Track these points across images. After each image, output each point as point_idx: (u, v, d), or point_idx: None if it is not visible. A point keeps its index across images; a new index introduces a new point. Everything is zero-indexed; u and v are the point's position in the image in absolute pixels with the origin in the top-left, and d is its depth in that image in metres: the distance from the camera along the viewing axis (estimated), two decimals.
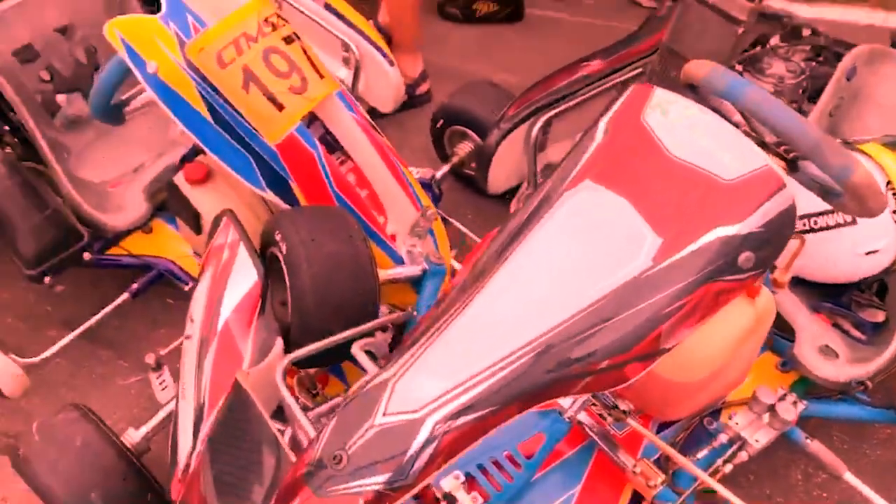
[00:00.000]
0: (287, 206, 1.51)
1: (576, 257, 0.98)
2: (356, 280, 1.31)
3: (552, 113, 1.77)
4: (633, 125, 1.04)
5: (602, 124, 1.07)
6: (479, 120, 1.98)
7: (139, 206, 1.83)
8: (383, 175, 1.57)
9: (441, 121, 2.05)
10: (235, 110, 1.40)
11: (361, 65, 2.08)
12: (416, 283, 1.51)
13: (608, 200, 1.00)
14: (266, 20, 1.41)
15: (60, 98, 2.01)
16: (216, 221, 1.45)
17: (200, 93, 1.38)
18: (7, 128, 1.81)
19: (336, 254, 1.30)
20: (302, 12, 2.07)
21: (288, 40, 1.44)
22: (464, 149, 2.04)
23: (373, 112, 2.17)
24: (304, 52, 1.46)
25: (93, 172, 1.96)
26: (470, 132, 2.02)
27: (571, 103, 1.80)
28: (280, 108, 1.41)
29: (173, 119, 1.41)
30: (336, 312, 1.29)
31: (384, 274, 1.42)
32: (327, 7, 2.11)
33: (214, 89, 1.38)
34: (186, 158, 1.76)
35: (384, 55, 2.07)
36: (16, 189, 1.64)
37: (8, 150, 1.76)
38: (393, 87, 2.10)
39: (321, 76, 1.47)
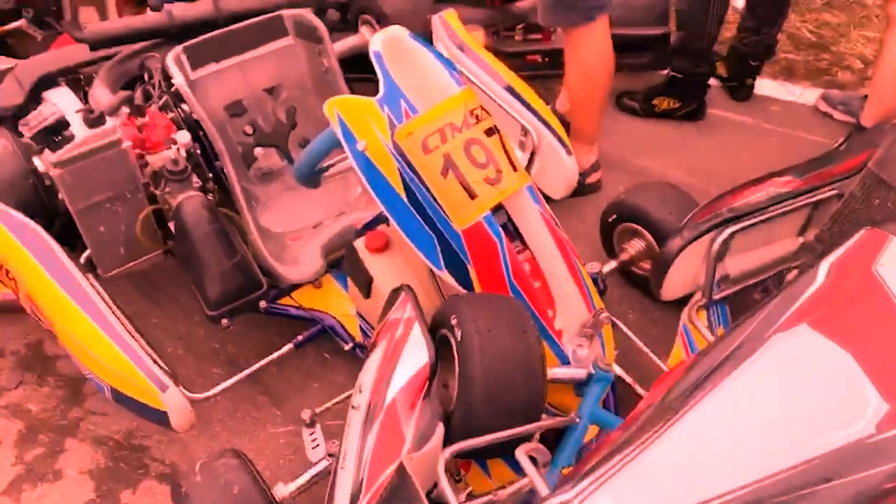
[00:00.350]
0: (461, 289, 1.53)
1: (787, 405, 0.92)
2: (526, 378, 1.29)
3: (739, 227, 1.70)
4: (863, 274, 0.97)
5: (824, 266, 1.01)
6: (654, 221, 1.94)
7: (315, 261, 1.91)
8: (560, 270, 1.55)
9: (614, 216, 2.02)
10: (430, 193, 1.44)
11: (538, 150, 2.11)
12: (578, 385, 1.47)
13: (828, 350, 0.94)
14: (471, 112, 1.46)
15: (258, 151, 2.17)
16: (393, 295, 1.48)
17: (401, 173, 1.44)
18: (211, 175, 1.96)
19: (510, 349, 1.29)
20: (484, 92, 2.15)
21: (489, 132, 1.47)
22: (634, 247, 1.99)
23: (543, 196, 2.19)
24: (503, 144, 1.49)
25: (276, 223, 2.09)
26: (643, 231, 1.98)
27: (760, 219, 1.72)
28: (472, 196, 1.44)
29: (371, 193, 1.47)
30: (502, 408, 1.27)
31: (550, 373, 1.40)
32: (509, 89, 2.16)
33: (414, 171, 1.43)
34: (368, 226, 1.83)
35: (563, 144, 2.09)
36: (213, 234, 1.76)
37: (210, 196, 1.90)
38: (568, 176, 2.11)
39: (515, 169, 1.49)
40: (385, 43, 1.47)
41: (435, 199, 1.45)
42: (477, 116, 1.47)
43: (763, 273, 1.81)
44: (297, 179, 1.70)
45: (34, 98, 2.09)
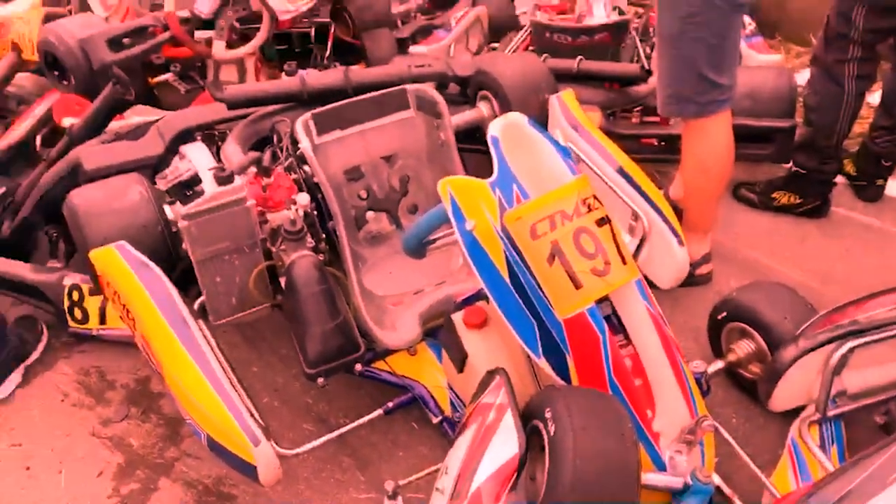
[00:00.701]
0: (557, 379, 1.50)
1: None
2: (619, 483, 1.24)
3: (861, 342, 1.58)
4: None
5: None
6: (766, 324, 1.84)
7: (412, 329, 1.92)
8: (663, 370, 1.50)
9: (724, 313, 1.94)
10: (534, 279, 1.44)
11: (648, 236, 2.06)
12: (674, 494, 1.40)
13: None
14: (584, 200, 1.46)
15: (370, 215, 2.25)
16: (488, 377, 1.47)
17: (506, 255, 1.44)
18: (324, 235, 2.03)
19: (604, 450, 1.25)
20: (596, 173, 2.14)
21: (600, 222, 1.46)
22: (743, 349, 1.90)
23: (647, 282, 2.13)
24: (613, 235, 1.47)
25: (380, 286, 2.13)
26: (754, 333, 1.88)
27: (885, 335, 1.60)
28: (578, 286, 1.42)
29: (475, 272, 1.48)
30: None
31: (644, 478, 1.34)
32: (622, 172, 2.14)
33: (520, 255, 1.43)
34: (468, 301, 1.83)
35: (674, 232, 2.04)
36: (320, 295, 1.80)
37: (321, 256, 1.97)
38: (677, 266, 2.05)
39: (624, 262, 1.47)
40: (503, 128, 1.50)
41: (539, 285, 1.44)
42: (589, 206, 1.46)
43: (885, 392, 1.68)
44: (404, 250, 1.74)
45: (172, 150, 2.27)
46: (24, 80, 3.15)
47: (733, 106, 2.16)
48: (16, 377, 2.15)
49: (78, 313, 2.20)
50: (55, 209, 2.12)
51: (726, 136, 2.16)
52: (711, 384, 1.88)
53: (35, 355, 2.23)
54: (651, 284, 2.14)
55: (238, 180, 1.84)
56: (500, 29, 3.66)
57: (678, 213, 2.31)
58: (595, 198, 1.49)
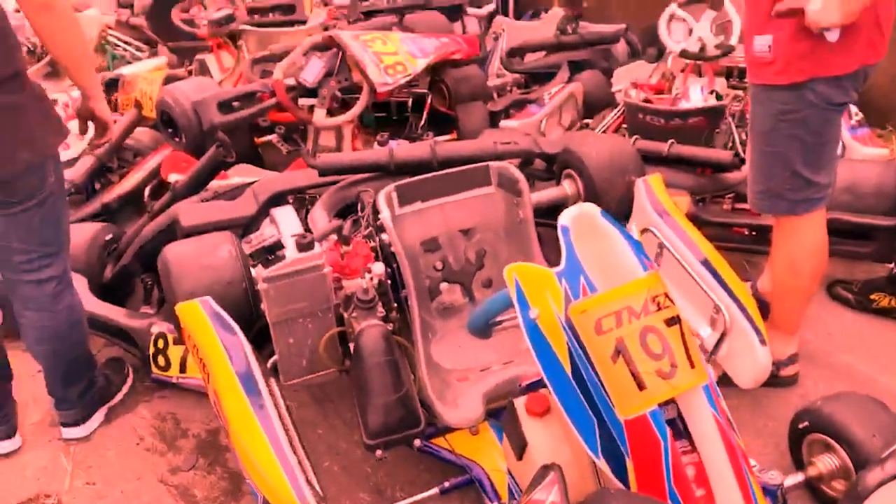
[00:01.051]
0: (615, 479, 1.44)
1: None
2: None
3: None
4: None
5: None
6: (852, 439, 1.71)
7: (475, 408, 1.90)
8: (728, 482, 1.41)
9: (806, 423, 1.82)
10: (597, 375, 1.40)
11: (728, 331, 1.98)
12: None
13: None
14: (653, 298, 1.42)
15: (443, 286, 2.27)
16: (543, 472, 1.43)
17: (569, 348, 1.42)
18: (396, 304, 2.06)
19: None
20: (678, 262, 2.08)
21: (670, 322, 1.42)
22: (826, 463, 1.77)
23: (725, 378, 2.04)
24: (682, 337, 1.42)
25: (447, 359, 2.13)
26: (838, 447, 1.75)
27: None
28: (641, 387, 1.37)
29: (536, 362, 1.46)
30: None
31: None
32: (705, 263, 2.08)
33: (584, 350, 1.40)
34: (532, 387, 1.80)
35: (757, 331, 1.95)
36: (385, 366, 1.82)
37: (391, 325, 1.99)
38: (758, 367, 1.96)
39: (693, 365, 1.41)
40: (575, 218, 1.50)
41: (601, 382, 1.40)
42: (659, 304, 1.42)
43: None
44: (469, 329, 1.74)
45: (264, 211, 2.38)
46: (142, 134, 3.41)
47: (831, 200, 2.07)
48: (99, 416, 2.27)
49: (161, 360, 2.31)
50: (152, 259, 2.25)
51: (820, 234, 2.06)
52: (789, 498, 1.76)
53: (119, 397, 2.35)
54: (731, 382, 2.05)
55: (317, 247, 1.91)
56: (595, 106, 3.68)
57: (766, 307, 2.22)
58: (666, 296, 1.45)
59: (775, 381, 2.17)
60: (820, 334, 2.44)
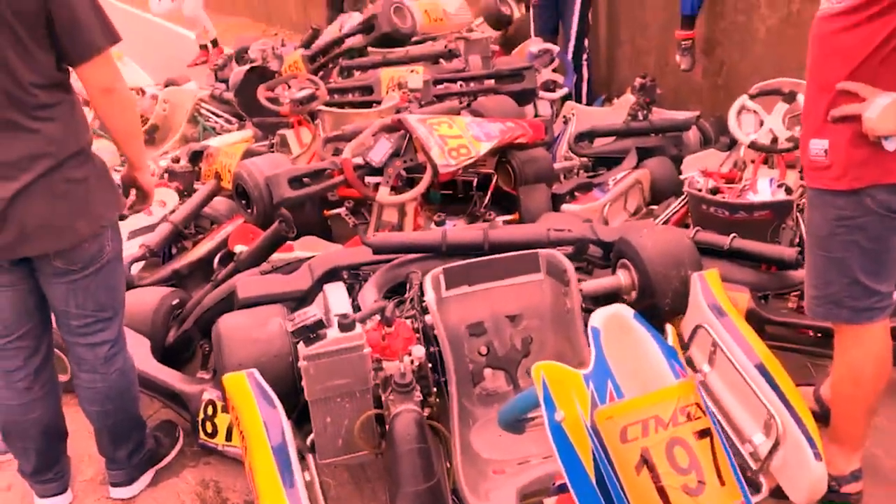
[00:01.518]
0: None
1: None
2: None
3: None
4: None
5: None
6: None
7: None
8: None
9: None
10: (620, 484, 1.35)
11: (782, 440, 1.88)
12: None
13: None
14: (684, 408, 1.37)
15: (487, 371, 2.25)
16: None
17: (593, 453, 1.37)
18: (435, 389, 2.06)
19: None
20: (731, 363, 2.01)
21: (700, 435, 1.35)
22: None
23: (779, 491, 1.92)
24: (713, 451, 1.35)
25: (485, 448, 2.09)
26: None
27: None
28: (665, 501, 1.31)
29: (560, 465, 1.42)
30: None
31: None
32: (760, 368, 1.99)
33: (608, 456, 1.36)
34: (563, 488, 1.74)
35: (812, 444, 1.84)
36: (416, 453, 1.81)
37: (429, 409, 1.99)
38: (812, 483, 1.83)
39: (723, 482, 1.34)
40: (606, 320, 1.47)
41: (624, 492, 1.34)
42: (689, 415, 1.37)
43: None
44: (499, 424, 1.71)
45: (318, 287, 2.45)
46: (219, 203, 3.60)
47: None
48: (146, 478, 2.33)
49: (209, 427, 2.36)
50: (211, 326, 2.34)
51: (884, 345, 1.94)
52: None
53: (167, 460, 2.41)
54: (785, 496, 1.93)
55: (358, 328, 1.94)
56: (663, 193, 3.65)
57: (826, 416, 2.09)
58: (699, 406, 1.39)
59: (835, 497, 2.02)
60: (889, 449, 2.27)
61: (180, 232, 3.40)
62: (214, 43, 8.19)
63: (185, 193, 3.71)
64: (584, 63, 4.94)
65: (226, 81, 5.55)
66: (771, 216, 2.84)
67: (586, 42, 4.92)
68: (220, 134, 4.83)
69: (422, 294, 2.18)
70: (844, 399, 2.01)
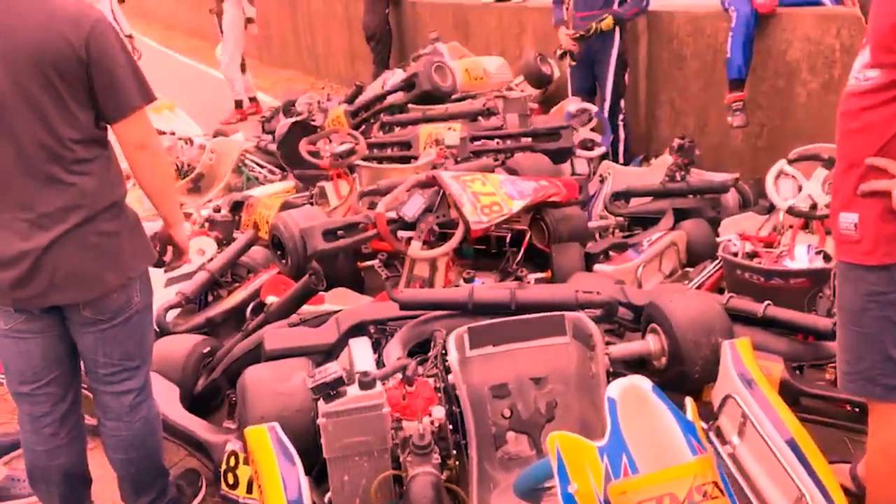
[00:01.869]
0: None
1: None
2: None
3: None
4: None
5: None
6: None
7: None
8: None
9: None
10: None
11: None
12: None
13: None
14: (699, 487, 1.33)
15: (510, 435, 2.21)
16: None
17: None
18: (455, 451, 2.03)
19: None
20: (762, 437, 1.95)
21: None
22: None
23: None
24: None
25: None
26: None
27: None
28: None
29: None
30: None
31: None
32: (791, 444, 1.93)
33: None
34: None
35: None
36: None
37: (448, 472, 1.96)
38: None
39: None
40: (623, 392, 1.45)
41: None
42: (705, 493, 1.33)
43: None
44: (515, 493, 1.68)
45: (345, 341, 2.46)
46: (256, 252, 3.67)
47: None
48: None
49: (231, 478, 2.36)
50: (238, 377, 2.37)
51: None
52: None
53: None
54: None
55: (379, 386, 1.94)
56: (699, 255, 3.59)
57: (861, 495, 2.00)
58: (716, 485, 1.35)
59: None
60: None
61: (216, 280, 3.46)
62: (252, 100, 8.21)
63: (224, 242, 3.79)
64: (621, 123, 4.96)
65: (272, 133, 5.72)
66: (808, 284, 2.78)
67: (622, 103, 4.94)
68: (263, 184, 4.96)
69: (445, 353, 2.18)
70: (880, 480, 1.92)
